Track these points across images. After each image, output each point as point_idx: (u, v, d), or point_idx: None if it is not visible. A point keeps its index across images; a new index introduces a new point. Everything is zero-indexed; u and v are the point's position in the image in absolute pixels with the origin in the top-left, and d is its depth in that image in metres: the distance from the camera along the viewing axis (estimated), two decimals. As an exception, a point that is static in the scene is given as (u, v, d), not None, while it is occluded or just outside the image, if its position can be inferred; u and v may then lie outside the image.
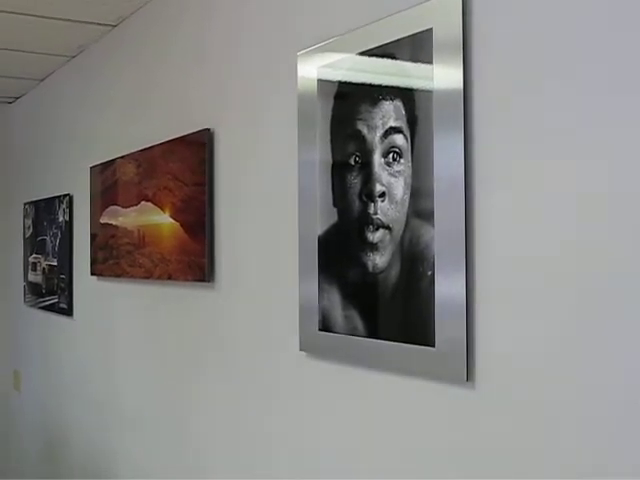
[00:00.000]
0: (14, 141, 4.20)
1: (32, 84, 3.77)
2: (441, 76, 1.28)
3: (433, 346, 1.29)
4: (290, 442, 1.75)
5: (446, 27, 1.27)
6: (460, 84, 1.24)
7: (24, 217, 3.90)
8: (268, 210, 1.84)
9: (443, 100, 1.28)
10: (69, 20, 2.73)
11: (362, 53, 1.47)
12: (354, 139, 1.48)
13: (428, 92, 1.31)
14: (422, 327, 1.31)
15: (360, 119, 1.46)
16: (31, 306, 3.78)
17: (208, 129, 2.09)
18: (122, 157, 2.65)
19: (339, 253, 1.53)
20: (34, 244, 3.74)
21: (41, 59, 3.29)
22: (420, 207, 1.33)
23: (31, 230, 3.79)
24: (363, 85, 1.47)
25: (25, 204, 3.88)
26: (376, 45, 1.43)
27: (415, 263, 1.34)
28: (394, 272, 1.39)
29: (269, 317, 1.83)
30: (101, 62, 2.99)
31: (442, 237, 1.28)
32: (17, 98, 4.11)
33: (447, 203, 1.27)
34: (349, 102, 1.50)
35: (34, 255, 3.74)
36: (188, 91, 2.27)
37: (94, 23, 2.78)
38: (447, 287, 1.27)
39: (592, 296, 1.05)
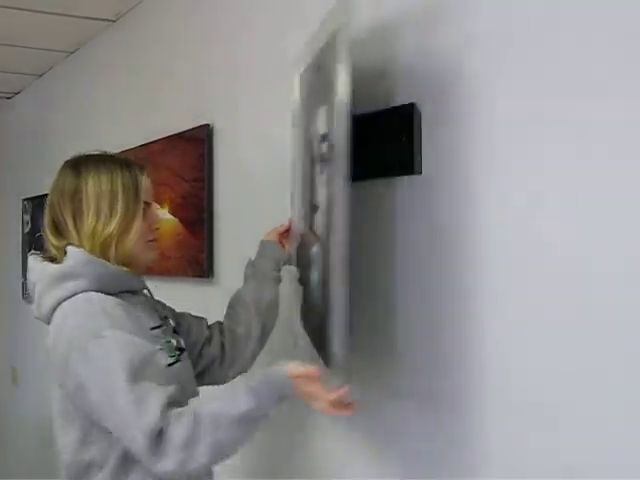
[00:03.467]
0: (13, 137, 4.19)
1: (31, 80, 3.76)
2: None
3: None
4: (284, 438, 1.75)
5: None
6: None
7: (23, 213, 3.89)
8: (267, 206, 1.83)
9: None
10: (68, 15, 2.73)
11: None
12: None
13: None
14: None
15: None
16: (30, 302, 3.77)
17: (207, 125, 2.08)
18: (121, 153, 2.64)
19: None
20: (33, 240, 3.73)
21: (40, 55, 3.28)
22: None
23: (30, 226, 3.78)
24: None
25: (24, 200, 3.87)
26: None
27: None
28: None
29: (268, 313, 1.82)
30: (100, 58, 2.99)
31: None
32: (16, 94, 4.10)
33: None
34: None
35: (33, 251, 3.72)
36: (188, 87, 2.26)
37: (93, 19, 2.78)
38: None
39: (593, 292, 1.04)
